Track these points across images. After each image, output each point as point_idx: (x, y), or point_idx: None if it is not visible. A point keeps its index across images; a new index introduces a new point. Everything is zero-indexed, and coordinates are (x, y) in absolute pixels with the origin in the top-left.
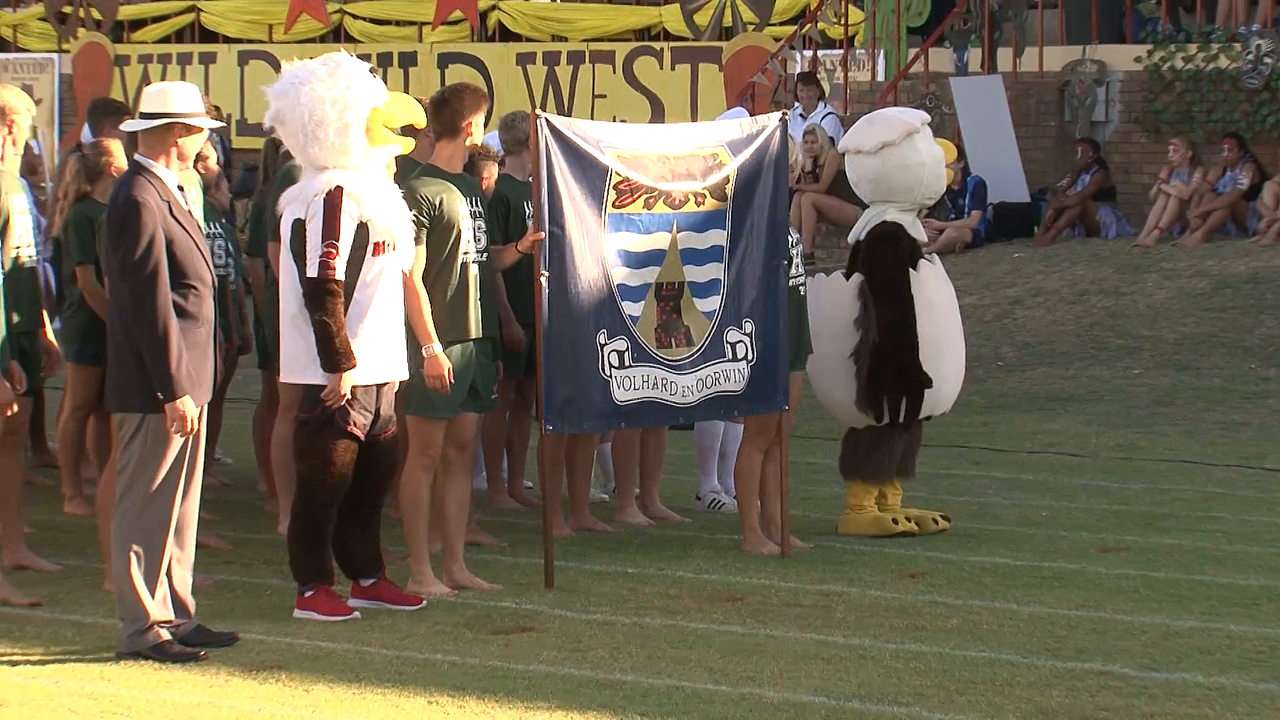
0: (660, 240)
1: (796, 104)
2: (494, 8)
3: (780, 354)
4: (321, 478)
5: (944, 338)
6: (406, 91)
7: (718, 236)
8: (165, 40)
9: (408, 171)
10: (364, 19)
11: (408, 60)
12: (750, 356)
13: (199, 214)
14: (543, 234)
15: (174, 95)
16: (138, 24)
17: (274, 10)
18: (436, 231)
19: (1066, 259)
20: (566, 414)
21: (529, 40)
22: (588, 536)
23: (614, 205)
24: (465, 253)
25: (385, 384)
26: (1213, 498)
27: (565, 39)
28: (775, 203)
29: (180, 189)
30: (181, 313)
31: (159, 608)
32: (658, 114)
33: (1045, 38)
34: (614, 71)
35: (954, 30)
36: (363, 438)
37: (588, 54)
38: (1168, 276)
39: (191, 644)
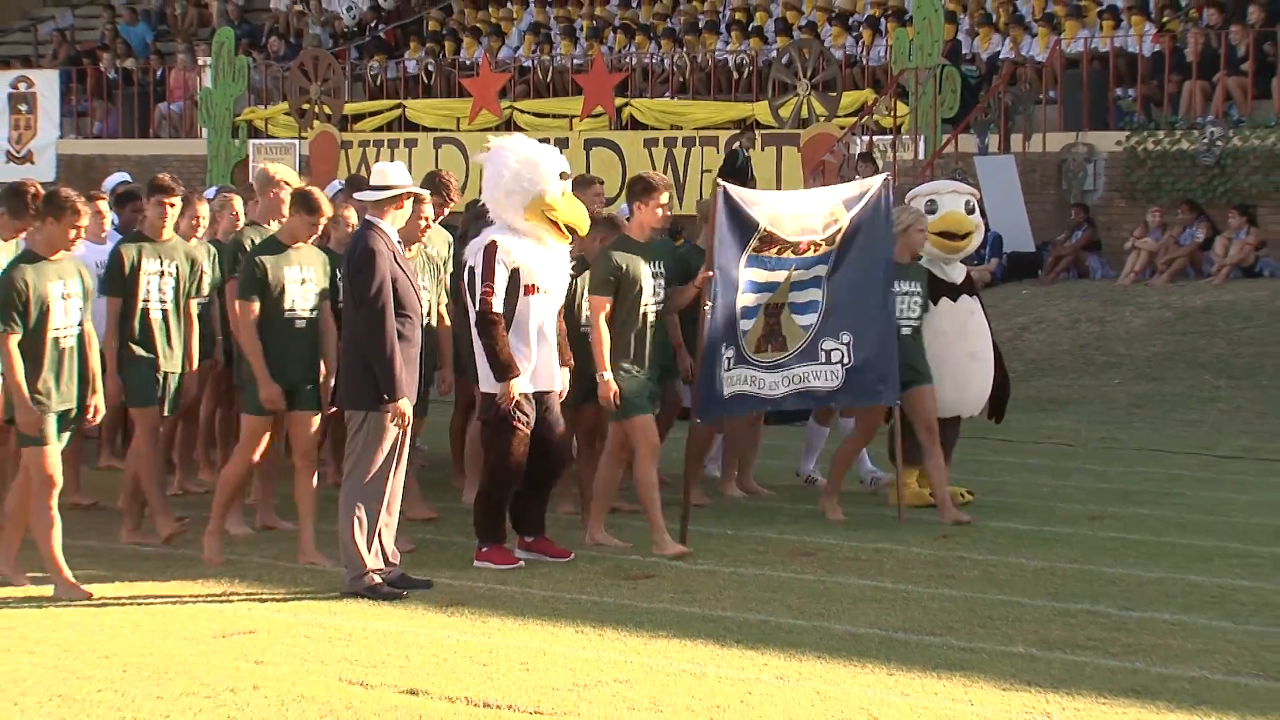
0: (779, 275)
1: (857, 176)
2: (627, 104)
3: (878, 363)
4: (504, 465)
5: (946, 359)
6: None
7: (820, 269)
8: (379, 130)
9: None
10: (528, 113)
11: (561, 144)
12: (846, 361)
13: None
14: (712, 273)
15: (391, 173)
16: (358, 117)
17: (461, 107)
18: (623, 287)
19: (1063, 295)
20: (698, 406)
21: (653, 129)
22: (698, 506)
23: (753, 250)
24: (645, 304)
25: (547, 392)
26: (1176, 478)
27: (681, 127)
28: (878, 243)
29: (399, 241)
30: (399, 336)
31: (372, 559)
32: (750, 186)
33: (1047, 126)
34: (717, 152)
35: (977, 120)
36: (527, 432)
37: (698, 139)
38: (1141, 309)
39: (397, 587)
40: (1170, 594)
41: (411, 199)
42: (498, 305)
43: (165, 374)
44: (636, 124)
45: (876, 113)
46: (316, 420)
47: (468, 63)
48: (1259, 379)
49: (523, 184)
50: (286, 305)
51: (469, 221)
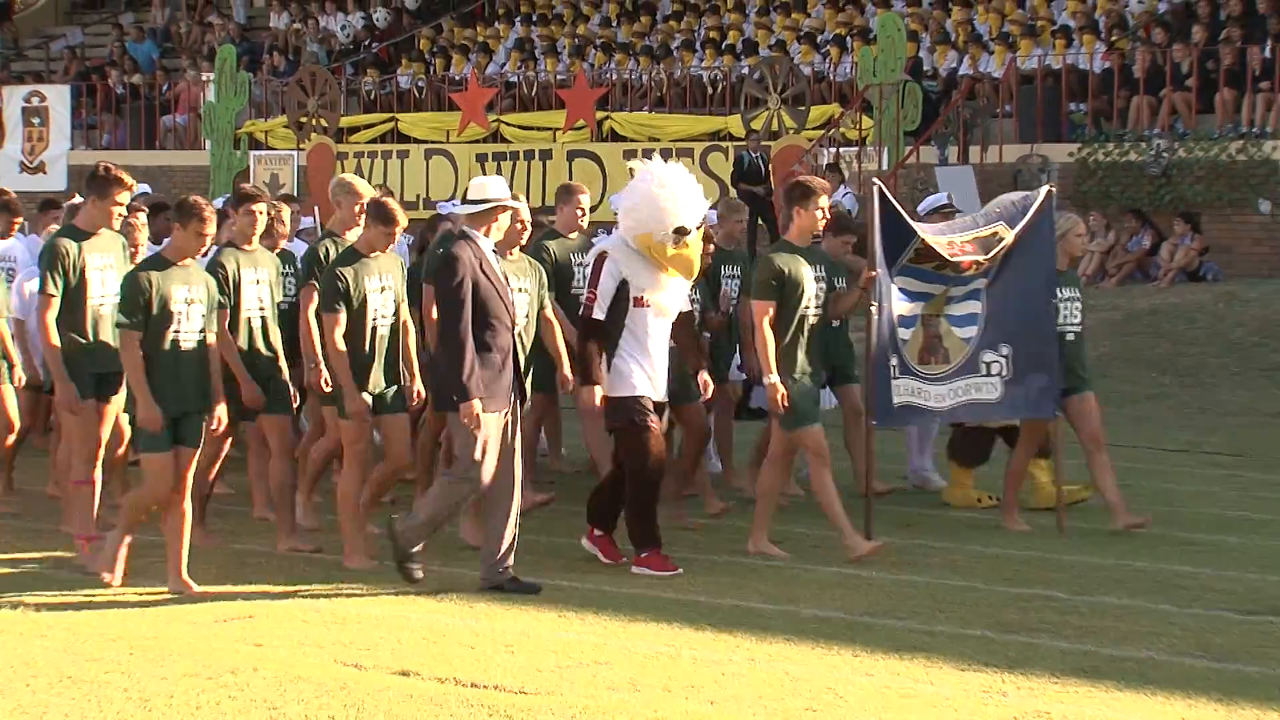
0: (935, 288)
1: None
2: (607, 117)
3: (1037, 375)
4: (643, 468)
5: None
6: (544, 178)
7: (980, 282)
8: (373, 141)
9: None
10: (514, 125)
11: (545, 155)
12: (1005, 374)
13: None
14: (875, 273)
15: (490, 186)
16: (353, 130)
17: (450, 120)
18: (785, 291)
19: None
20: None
21: (632, 140)
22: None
23: (909, 261)
24: (806, 307)
25: (657, 402)
26: (1125, 470)
27: (658, 139)
28: (1040, 254)
29: (495, 251)
30: (481, 342)
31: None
32: (724, 194)
33: (1003, 138)
34: (693, 163)
35: (938, 133)
36: (658, 429)
37: (674, 151)
38: (1091, 310)
39: (506, 588)
40: (1119, 580)
41: (509, 212)
42: (598, 312)
43: (267, 379)
44: (617, 136)
45: (843, 126)
46: (405, 420)
47: (457, 78)
48: (1201, 377)
49: (639, 215)
50: (369, 315)
51: (426, 232)
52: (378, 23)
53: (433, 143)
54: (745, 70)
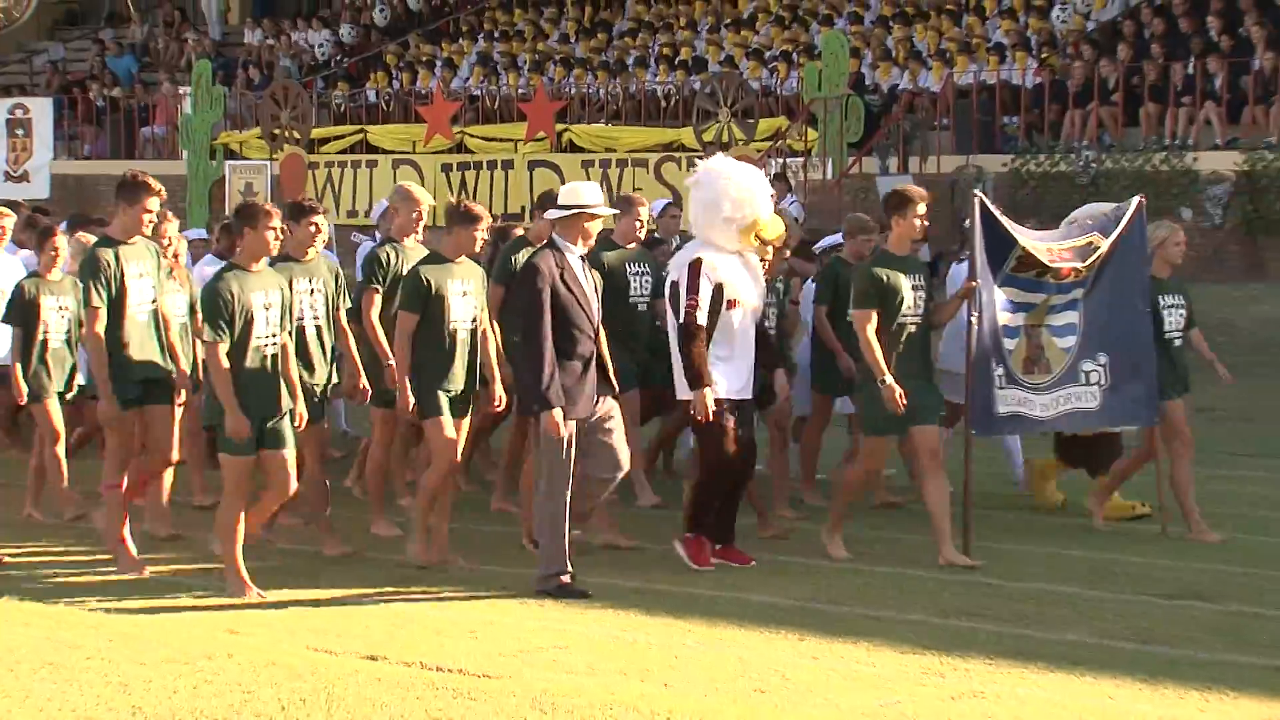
0: (1036, 298)
1: (772, 193)
2: (566, 129)
3: (1134, 383)
4: (718, 464)
5: None
6: (506, 187)
7: (1077, 292)
8: (343, 152)
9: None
10: (478, 137)
11: (507, 165)
12: (1104, 382)
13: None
14: (976, 283)
15: (582, 192)
16: (324, 141)
17: (416, 131)
18: (884, 299)
19: None
20: (977, 420)
21: (590, 151)
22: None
23: (1011, 270)
24: (904, 314)
25: (744, 400)
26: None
27: (614, 150)
28: (1133, 264)
29: (582, 259)
30: (561, 350)
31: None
32: (677, 202)
33: (941, 149)
34: (647, 173)
35: (879, 145)
36: (737, 432)
37: (630, 161)
38: None
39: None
40: (1053, 567)
41: (597, 220)
42: (701, 318)
43: (311, 387)
44: (575, 147)
45: (789, 137)
46: (466, 426)
47: (423, 91)
48: None
49: (743, 212)
50: (450, 317)
51: (494, 242)
52: (344, 38)
53: (400, 153)
54: (697, 85)
